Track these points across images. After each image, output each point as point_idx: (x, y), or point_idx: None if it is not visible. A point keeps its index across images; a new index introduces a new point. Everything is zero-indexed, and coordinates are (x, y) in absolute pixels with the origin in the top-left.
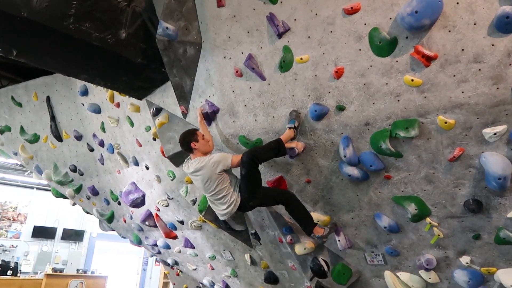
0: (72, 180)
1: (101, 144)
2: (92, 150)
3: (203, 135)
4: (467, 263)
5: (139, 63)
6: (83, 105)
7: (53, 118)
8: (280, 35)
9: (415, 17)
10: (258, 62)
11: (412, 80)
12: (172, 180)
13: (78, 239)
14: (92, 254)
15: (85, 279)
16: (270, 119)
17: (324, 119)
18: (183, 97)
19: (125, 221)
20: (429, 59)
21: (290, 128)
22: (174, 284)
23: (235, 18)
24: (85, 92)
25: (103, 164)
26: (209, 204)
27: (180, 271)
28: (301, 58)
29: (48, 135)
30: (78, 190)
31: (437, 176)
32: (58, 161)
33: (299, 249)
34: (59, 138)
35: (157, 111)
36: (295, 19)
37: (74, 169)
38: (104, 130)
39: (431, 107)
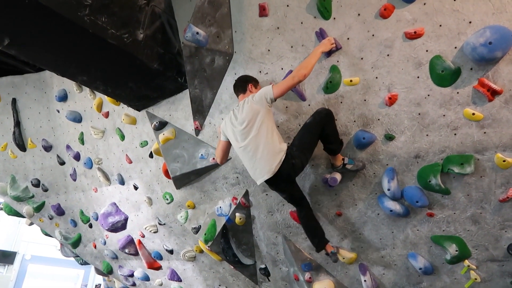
0: (33, 196)
1: (77, 157)
2: (62, 163)
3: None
4: None
5: (155, 69)
6: (58, 111)
7: (17, 123)
8: (329, 54)
9: (489, 48)
10: None
11: (473, 114)
12: (168, 203)
13: (7, 262)
14: (22, 280)
15: None
16: None
17: (369, 147)
18: (200, 111)
19: (95, 247)
20: (494, 93)
21: (344, 160)
22: None
23: (278, 30)
24: (63, 98)
25: (75, 180)
26: (216, 236)
27: None
28: (351, 80)
29: (8, 142)
30: (39, 208)
31: (484, 217)
32: (17, 173)
33: None
34: (22, 147)
35: (161, 125)
36: (348, 38)
37: (37, 184)
38: (82, 142)
39: (490, 144)
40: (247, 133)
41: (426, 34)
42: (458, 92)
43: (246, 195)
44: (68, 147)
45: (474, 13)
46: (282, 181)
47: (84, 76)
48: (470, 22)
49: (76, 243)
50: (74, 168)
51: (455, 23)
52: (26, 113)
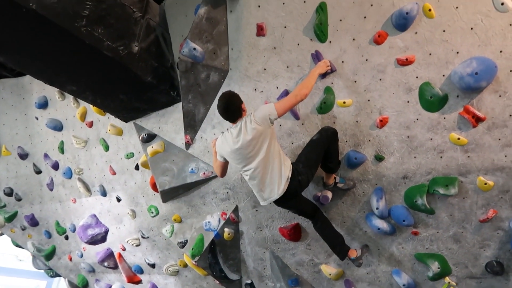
0: (5, 206)
1: (55, 166)
2: (39, 172)
3: None
4: None
5: (148, 82)
6: (37, 119)
7: None
8: (324, 75)
9: (475, 78)
10: None
11: (459, 139)
12: (153, 216)
13: None
14: None
15: None
16: None
17: (359, 167)
18: (192, 126)
19: (71, 260)
20: (478, 120)
21: (335, 179)
22: None
23: (275, 50)
24: (43, 105)
25: (51, 189)
26: (204, 250)
27: None
28: (344, 102)
29: None
30: (11, 218)
31: (464, 236)
32: None
33: None
34: None
35: (150, 137)
36: (343, 61)
37: (9, 193)
38: (62, 151)
39: (473, 167)
40: (254, 156)
41: (417, 62)
42: (445, 118)
43: (235, 210)
44: (46, 155)
45: (461, 44)
46: (289, 198)
47: (73, 86)
48: (457, 53)
49: (50, 255)
50: (52, 178)
51: (443, 53)
52: (2, 119)
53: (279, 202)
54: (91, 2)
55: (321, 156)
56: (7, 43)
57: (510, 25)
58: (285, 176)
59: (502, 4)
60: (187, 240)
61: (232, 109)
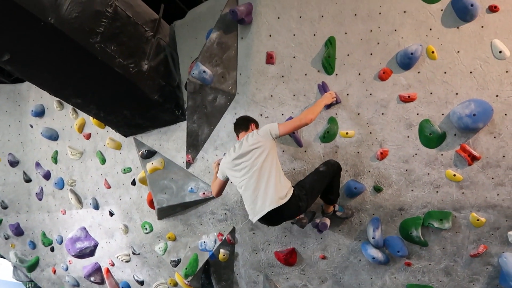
0: None
1: (47, 176)
2: (28, 180)
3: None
4: None
5: (155, 99)
6: (32, 126)
7: None
8: (329, 106)
9: (473, 119)
10: None
11: (454, 175)
12: (147, 233)
13: None
14: None
15: None
16: None
17: (358, 197)
18: (194, 145)
19: (55, 272)
20: (473, 159)
21: (335, 207)
22: None
23: (282, 78)
24: (40, 113)
25: (40, 199)
26: (198, 270)
27: None
28: (347, 133)
29: None
30: None
31: (455, 269)
32: None
33: None
34: None
35: (150, 153)
36: (347, 94)
37: None
38: (55, 161)
39: (467, 203)
40: (251, 165)
41: (418, 99)
42: (442, 154)
43: (232, 232)
44: (37, 164)
45: (461, 86)
46: (282, 218)
47: (79, 99)
48: (457, 94)
49: (33, 266)
50: (42, 187)
51: (444, 93)
52: None
53: (270, 219)
54: (107, 20)
55: (324, 187)
56: (20, 54)
57: (507, 72)
58: (282, 191)
59: (500, 52)
60: (180, 259)
61: (241, 119)
